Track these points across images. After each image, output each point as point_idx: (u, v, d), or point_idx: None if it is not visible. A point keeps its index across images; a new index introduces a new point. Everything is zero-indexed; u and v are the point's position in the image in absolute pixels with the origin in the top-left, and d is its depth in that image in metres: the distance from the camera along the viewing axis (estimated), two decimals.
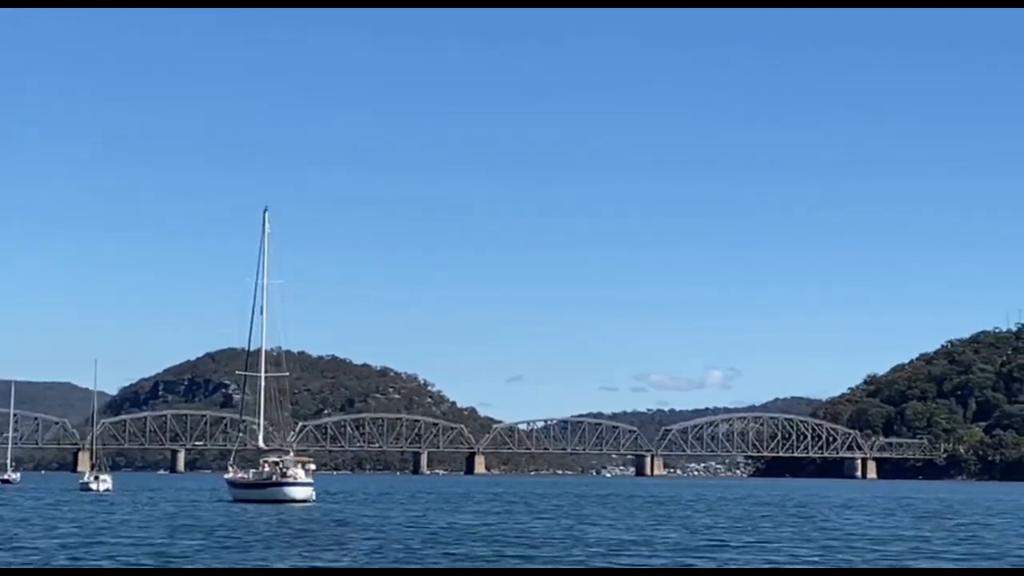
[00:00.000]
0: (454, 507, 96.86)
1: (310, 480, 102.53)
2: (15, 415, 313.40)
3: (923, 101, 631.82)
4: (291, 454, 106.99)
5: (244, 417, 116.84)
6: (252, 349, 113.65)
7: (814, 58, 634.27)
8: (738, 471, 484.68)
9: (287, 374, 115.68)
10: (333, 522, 69.82)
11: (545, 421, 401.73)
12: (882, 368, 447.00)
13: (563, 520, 75.25)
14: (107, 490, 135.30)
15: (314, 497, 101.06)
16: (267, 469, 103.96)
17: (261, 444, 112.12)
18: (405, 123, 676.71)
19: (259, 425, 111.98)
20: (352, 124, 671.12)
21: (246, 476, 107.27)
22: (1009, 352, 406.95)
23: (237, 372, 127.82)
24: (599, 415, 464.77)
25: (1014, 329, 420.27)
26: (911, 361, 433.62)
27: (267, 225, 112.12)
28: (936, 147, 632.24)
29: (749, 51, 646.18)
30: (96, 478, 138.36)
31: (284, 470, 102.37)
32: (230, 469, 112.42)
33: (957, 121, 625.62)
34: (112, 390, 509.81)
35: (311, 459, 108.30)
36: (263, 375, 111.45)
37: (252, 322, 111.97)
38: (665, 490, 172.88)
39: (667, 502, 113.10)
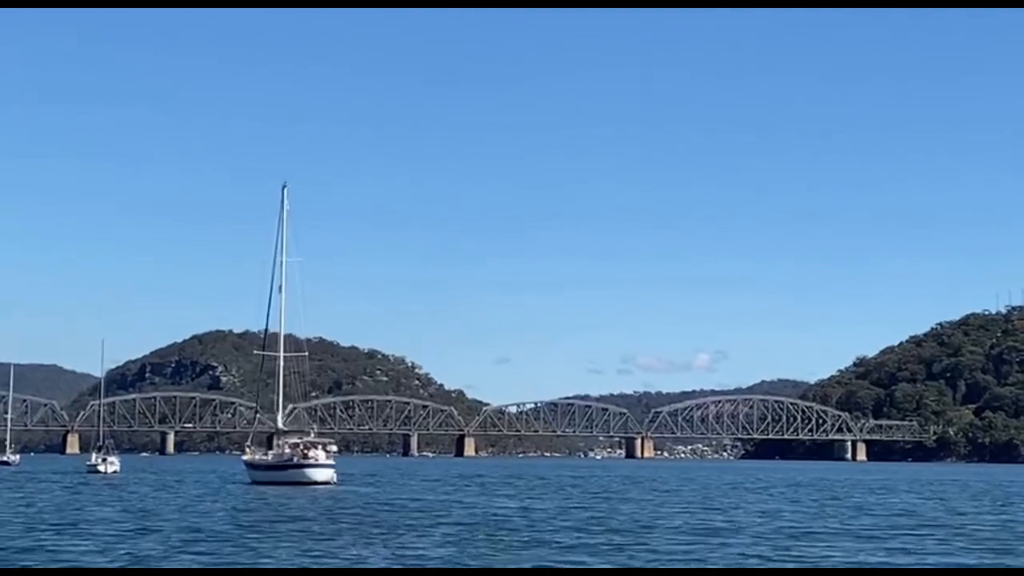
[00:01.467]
0: (535, 492, 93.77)
1: (332, 462, 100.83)
2: (2, 397, 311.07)
3: (913, 83, 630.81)
4: (312, 435, 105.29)
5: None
6: (272, 327, 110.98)
7: (811, 38, 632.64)
8: (725, 453, 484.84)
9: (306, 354, 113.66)
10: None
11: (535, 403, 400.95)
12: (872, 350, 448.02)
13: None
14: (115, 472, 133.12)
15: (335, 479, 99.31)
16: (287, 451, 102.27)
17: (280, 425, 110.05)
18: (400, 110, 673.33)
19: (279, 407, 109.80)
20: (353, 110, 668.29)
21: (265, 457, 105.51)
22: (999, 335, 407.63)
23: (255, 352, 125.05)
24: (586, 397, 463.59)
25: (1004, 312, 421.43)
26: (901, 343, 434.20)
27: (286, 202, 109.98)
28: (926, 128, 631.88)
29: (747, 40, 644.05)
30: (104, 460, 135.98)
31: (305, 451, 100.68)
32: (247, 450, 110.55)
33: (947, 104, 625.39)
34: (99, 372, 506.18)
35: (332, 440, 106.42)
36: (282, 355, 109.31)
37: (270, 301, 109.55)
38: (789, 474, 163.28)
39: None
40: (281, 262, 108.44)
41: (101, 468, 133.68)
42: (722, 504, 76.97)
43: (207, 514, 59.94)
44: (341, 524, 52.77)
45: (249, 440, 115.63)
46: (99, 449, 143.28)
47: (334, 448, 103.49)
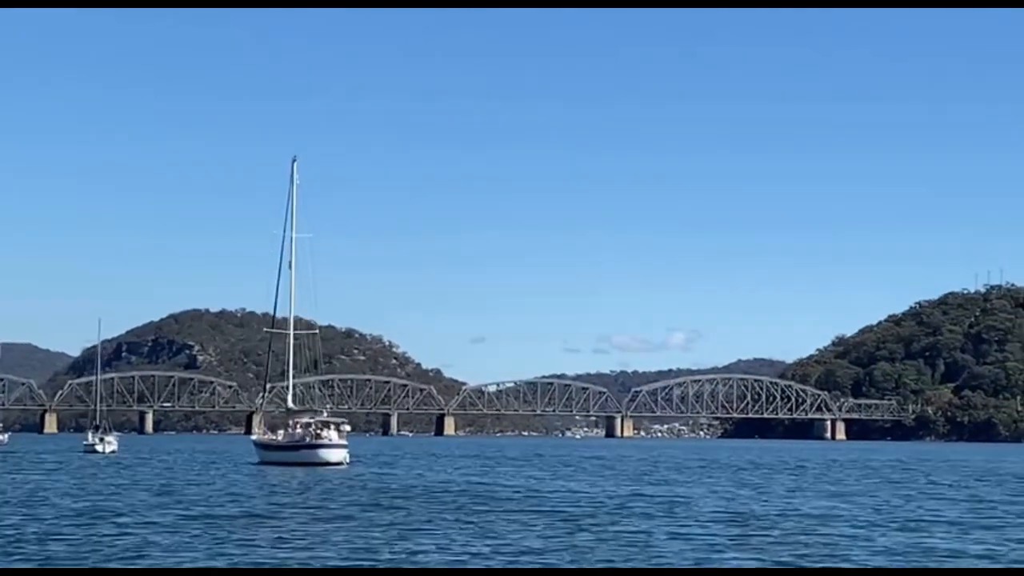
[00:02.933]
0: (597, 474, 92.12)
1: (344, 442, 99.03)
2: None
3: (893, 55, 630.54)
4: (324, 414, 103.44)
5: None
6: (281, 305, 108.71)
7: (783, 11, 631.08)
8: (701, 432, 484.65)
9: (317, 331, 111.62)
10: None
11: (515, 382, 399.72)
12: (850, 329, 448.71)
13: None
14: (113, 452, 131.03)
15: (348, 460, 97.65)
16: (299, 431, 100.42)
17: (290, 405, 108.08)
18: (391, 86, 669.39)
19: (288, 386, 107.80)
20: (346, 87, 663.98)
21: (275, 437, 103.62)
22: (977, 313, 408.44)
23: (265, 330, 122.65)
24: (562, 376, 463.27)
25: (982, 290, 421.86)
26: (879, 322, 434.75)
27: (296, 175, 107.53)
28: (903, 109, 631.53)
29: (717, 14, 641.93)
30: (101, 440, 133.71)
31: (317, 432, 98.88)
32: (255, 430, 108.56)
33: (927, 79, 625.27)
34: (74, 351, 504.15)
35: (344, 420, 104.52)
36: (292, 332, 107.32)
37: (279, 277, 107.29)
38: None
39: None
40: (291, 238, 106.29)
41: (99, 448, 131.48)
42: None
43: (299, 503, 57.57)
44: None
45: (259, 420, 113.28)
46: (96, 428, 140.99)
47: (347, 428, 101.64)
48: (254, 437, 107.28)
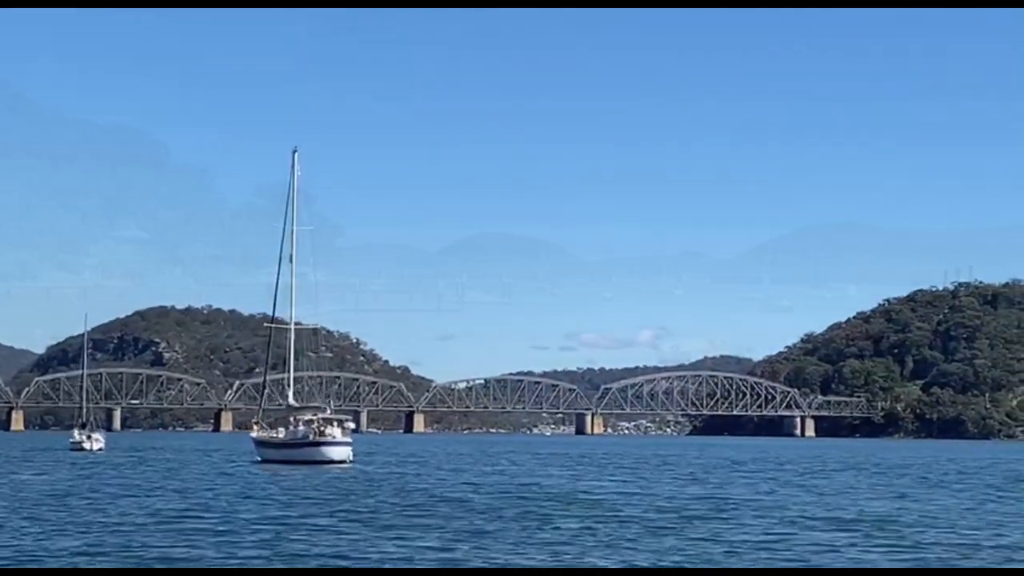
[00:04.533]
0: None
1: (348, 439, 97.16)
2: None
3: (862, 47, 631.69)
4: (328, 411, 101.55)
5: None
6: (281, 299, 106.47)
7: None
8: (668, 429, 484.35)
9: (319, 326, 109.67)
10: None
11: (485, 379, 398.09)
12: (819, 326, 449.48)
13: None
14: (100, 450, 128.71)
15: (352, 458, 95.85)
16: (301, 428, 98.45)
17: (291, 401, 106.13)
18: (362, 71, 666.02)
19: (289, 382, 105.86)
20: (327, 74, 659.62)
21: (276, 435, 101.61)
22: (946, 311, 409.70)
23: (266, 324, 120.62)
24: (530, 373, 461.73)
25: (951, 288, 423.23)
26: (848, 319, 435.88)
27: (297, 167, 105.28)
28: (874, 106, 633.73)
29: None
30: (88, 437, 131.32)
31: (321, 429, 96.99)
32: (255, 428, 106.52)
33: (893, 84, 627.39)
34: (39, 348, 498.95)
35: (349, 417, 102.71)
36: (292, 327, 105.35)
37: (279, 270, 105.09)
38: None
39: None
40: (292, 231, 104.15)
41: (86, 446, 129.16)
42: None
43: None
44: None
45: (256, 417, 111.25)
46: (83, 426, 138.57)
47: (352, 425, 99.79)
48: (253, 434, 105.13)
